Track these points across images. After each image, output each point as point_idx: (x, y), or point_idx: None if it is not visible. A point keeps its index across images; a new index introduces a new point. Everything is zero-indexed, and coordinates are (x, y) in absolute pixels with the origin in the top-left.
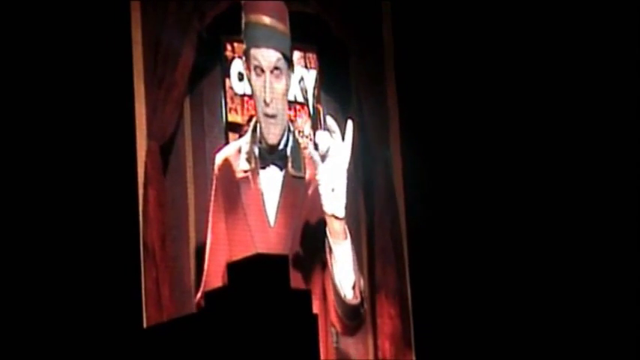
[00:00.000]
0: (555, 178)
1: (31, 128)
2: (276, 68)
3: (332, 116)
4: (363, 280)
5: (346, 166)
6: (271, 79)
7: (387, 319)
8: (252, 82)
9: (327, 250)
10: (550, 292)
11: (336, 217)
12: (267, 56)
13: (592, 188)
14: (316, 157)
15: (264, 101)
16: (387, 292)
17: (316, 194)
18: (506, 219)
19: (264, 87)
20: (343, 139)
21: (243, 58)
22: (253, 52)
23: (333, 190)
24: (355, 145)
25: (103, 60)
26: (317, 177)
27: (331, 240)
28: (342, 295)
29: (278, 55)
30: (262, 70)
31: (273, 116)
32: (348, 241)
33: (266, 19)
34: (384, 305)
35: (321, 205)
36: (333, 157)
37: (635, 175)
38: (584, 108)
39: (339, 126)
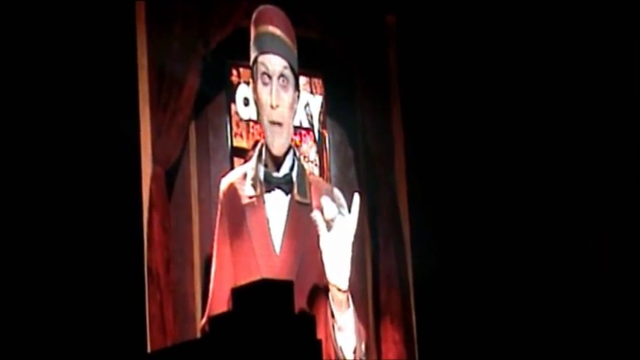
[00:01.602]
0: (565, 208)
1: (36, 152)
2: (282, 76)
3: (340, 189)
4: (363, 339)
5: (352, 238)
6: (278, 87)
7: (392, 345)
8: (259, 92)
9: (330, 314)
10: (556, 318)
11: (339, 289)
12: (275, 62)
13: (596, 204)
14: (321, 223)
15: (271, 106)
16: (392, 317)
17: None
18: (514, 244)
19: (271, 93)
20: (350, 210)
21: (252, 71)
22: (261, 58)
23: (336, 261)
24: (361, 172)
25: (109, 85)
26: (320, 245)
27: (334, 307)
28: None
29: (285, 63)
30: (269, 77)
31: (279, 124)
32: (351, 310)
33: (275, 30)
34: (389, 330)
35: (323, 273)
36: (338, 229)
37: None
38: (594, 123)
39: (345, 157)
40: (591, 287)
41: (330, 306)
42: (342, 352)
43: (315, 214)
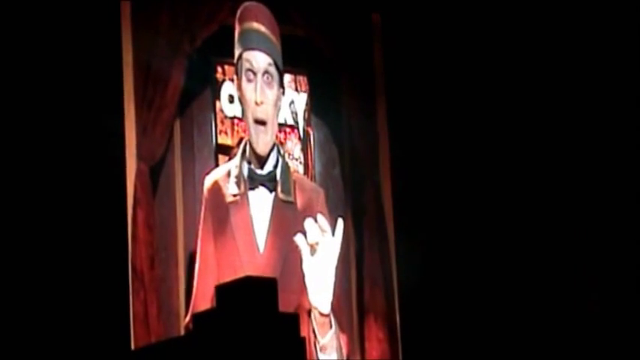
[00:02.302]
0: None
1: (20, 148)
2: (267, 72)
3: (323, 215)
4: (345, 355)
5: (335, 263)
6: (262, 84)
7: (375, 343)
8: (243, 88)
9: (312, 333)
10: (544, 318)
11: (321, 313)
12: (260, 58)
13: (586, 205)
14: (304, 247)
15: (255, 102)
16: (376, 316)
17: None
18: (499, 243)
19: (255, 89)
20: (333, 234)
21: (236, 68)
22: (246, 54)
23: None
24: (346, 170)
25: (93, 82)
26: (303, 269)
27: (316, 329)
28: None
29: (269, 60)
30: (254, 74)
31: (263, 122)
32: (333, 330)
33: (260, 27)
34: (372, 329)
35: (306, 296)
36: (322, 253)
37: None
38: (583, 118)
39: (331, 154)
40: (579, 283)
41: (313, 326)
42: None
43: (298, 239)
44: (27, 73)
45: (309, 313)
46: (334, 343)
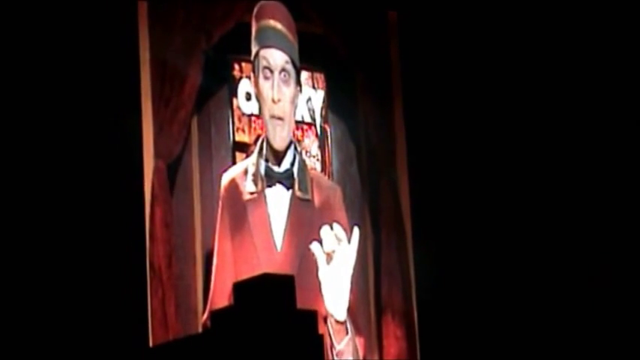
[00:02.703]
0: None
1: (39, 146)
2: (284, 70)
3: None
4: (360, 346)
5: (351, 271)
6: (279, 82)
7: (393, 340)
8: (261, 86)
9: (329, 339)
10: (560, 317)
11: (337, 321)
12: (277, 56)
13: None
14: (320, 255)
15: (273, 100)
16: (393, 314)
17: (324, 217)
18: (516, 240)
19: (273, 87)
20: (349, 242)
21: (253, 65)
22: (263, 52)
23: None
24: (363, 168)
25: (111, 80)
26: (319, 277)
27: (332, 335)
28: None
29: (286, 57)
30: (271, 72)
31: (280, 118)
32: (349, 337)
33: (277, 24)
34: (390, 326)
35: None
36: (338, 262)
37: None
38: (599, 121)
39: (349, 152)
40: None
41: (329, 332)
42: None
43: (314, 247)
44: (45, 72)
45: (325, 319)
46: (350, 348)
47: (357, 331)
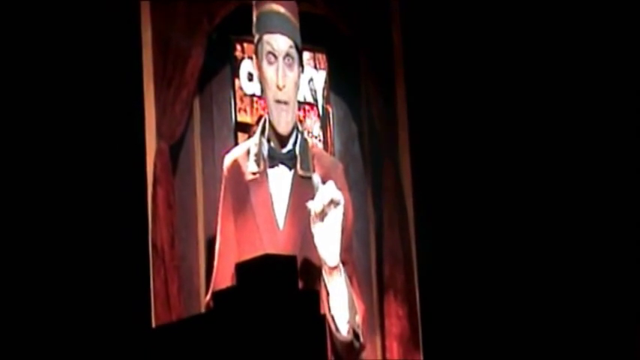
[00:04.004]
0: (569, 185)
1: (41, 128)
2: (288, 55)
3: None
4: (360, 313)
5: (341, 222)
6: (284, 67)
7: (395, 320)
8: (264, 70)
9: (323, 283)
10: (558, 294)
11: (330, 267)
12: (281, 42)
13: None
14: (317, 207)
15: (277, 86)
16: (396, 293)
17: None
18: (516, 219)
19: (277, 72)
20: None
21: (256, 49)
22: (267, 37)
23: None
24: (365, 147)
25: (113, 61)
26: (313, 230)
27: (325, 275)
28: (335, 330)
29: (290, 42)
30: (275, 57)
31: (285, 103)
32: (342, 276)
33: (279, 8)
34: (392, 305)
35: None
36: (330, 220)
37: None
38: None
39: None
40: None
41: (324, 281)
42: (334, 322)
43: (311, 204)
44: (47, 53)
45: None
46: (345, 295)
47: (359, 298)
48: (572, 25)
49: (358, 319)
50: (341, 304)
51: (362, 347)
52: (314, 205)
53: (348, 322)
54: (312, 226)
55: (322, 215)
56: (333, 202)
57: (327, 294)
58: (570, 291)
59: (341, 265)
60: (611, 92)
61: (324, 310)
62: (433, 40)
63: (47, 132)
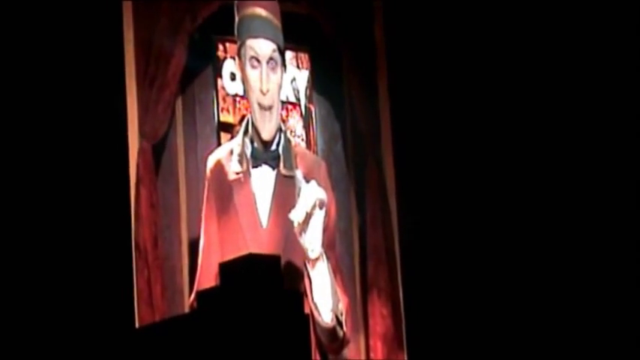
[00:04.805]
0: (557, 177)
1: (22, 128)
2: (271, 59)
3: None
4: (342, 302)
5: (323, 218)
6: (268, 71)
7: (379, 319)
8: (248, 74)
9: (306, 273)
10: (544, 291)
11: (312, 259)
12: (264, 46)
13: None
14: (300, 217)
15: (261, 91)
16: (379, 292)
17: None
18: (501, 218)
19: (261, 77)
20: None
21: (239, 52)
22: (250, 42)
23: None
24: (348, 146)
25: (95, 60)
26: (295, 228)
27: (308, 266)
28: (319, 317)
29: (273, 46)
30: (258, 61)
31: (268, 108)
32: (325, 264)
33: (262, 12)
34: (376, 305)
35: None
36: (314, 220)
37: (633, 176)
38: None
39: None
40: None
41: (305, 264)
42: (317, 309)
43: (293, 216)
44: (29, 52)
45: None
46: (328, 282)
47: (342, 289)
48: (557, 18)
49: (341, 306)
50: (324, 291)
51: (345, 337)
52: (296, 216)
53: (332, 310)
54: (298, 235)
55: (307, 220)
56: (319, 204)
57: (310, 282)
58: (554, 288)
59: (324, 254)
60: (595, 85)
61: (307, 305)
62: (416, 39)
63: (29, 132)
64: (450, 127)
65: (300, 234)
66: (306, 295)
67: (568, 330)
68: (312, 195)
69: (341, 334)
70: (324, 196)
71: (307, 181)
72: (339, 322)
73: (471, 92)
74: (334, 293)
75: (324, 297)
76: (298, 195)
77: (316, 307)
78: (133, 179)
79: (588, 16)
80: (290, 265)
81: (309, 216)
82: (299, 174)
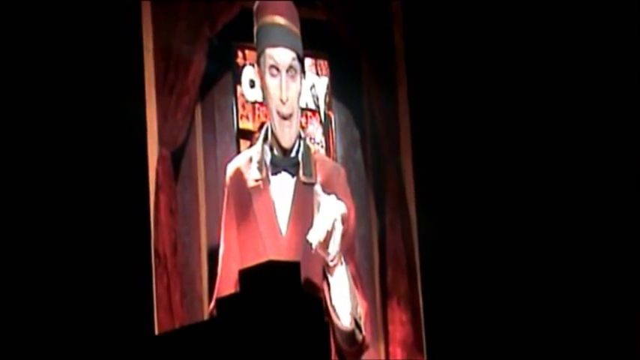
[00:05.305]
0: (571, 183)
1: (43, 135)
2: (291, 67)
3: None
4: (362, 306)
5: (341, 227)
6: (287, 79)
7: (399, 325)
8: (267, 83)
9: (323, 274)
10: (563, 297)
11: (328, 263)
12: (284, 55)
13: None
14: (321, 237)
15: (281, 100)
16: (399, 298)
17: None
18: (522, 224)
19: (281, 86)
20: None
21: (258, 60)
22: (269, 51)
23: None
24: (368, 153)
25: (114, 67)
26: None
27: (326, 271)
28: (337, 321)
29: (293, 54)
30: (278, 70)
31: (288, 116)
32: (343, 267)
33: (281, 20)
34: (396, 311)
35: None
36: (334, 237)
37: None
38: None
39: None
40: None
41: (324, 270)
42: (335, 312)
43: (312, 237)
44: (49, 59)
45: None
46: (346, 286)
47: (362, 295)
48: (574, 24)
49: (360, 310)
50: (343, 295)
51: (364, 341)
52: (316, 237)
53: (350, 313)
54: (319, 250)
55: (327, 239)
56: (340, 219)
57: (329, 287)
58: (574, 295)
59: (342, 257)
60: (614, 93)
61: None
62: (435, 44)
63: (49, 138)
64: (469, 132)
65: (323, 249)
66: (325, 300)
67: (590, 338)
68: (331, 213)
69: (360, 337)
70: (345, 210)
71: (327, 194)
72: (358, 326)
73: (491, 97)
74: (353, 297)
75: (343, 300)
76: (317, 210)
77: (335, 311)
78: (152, 186)
79: (604, 21)
80: (309, 271)
81: (329, 234)
82: (318, 188)
